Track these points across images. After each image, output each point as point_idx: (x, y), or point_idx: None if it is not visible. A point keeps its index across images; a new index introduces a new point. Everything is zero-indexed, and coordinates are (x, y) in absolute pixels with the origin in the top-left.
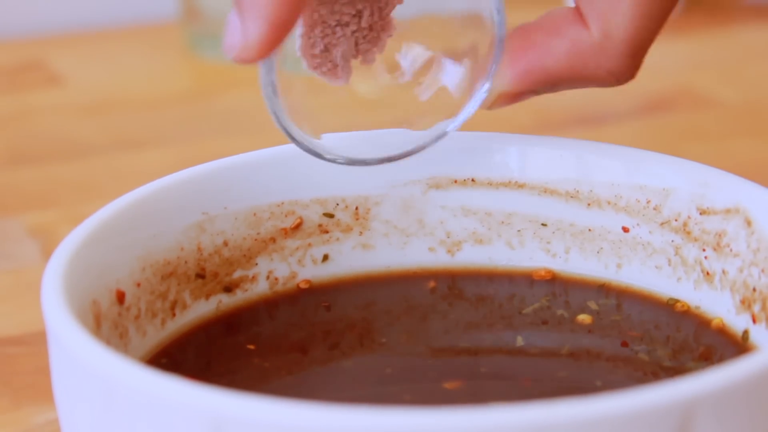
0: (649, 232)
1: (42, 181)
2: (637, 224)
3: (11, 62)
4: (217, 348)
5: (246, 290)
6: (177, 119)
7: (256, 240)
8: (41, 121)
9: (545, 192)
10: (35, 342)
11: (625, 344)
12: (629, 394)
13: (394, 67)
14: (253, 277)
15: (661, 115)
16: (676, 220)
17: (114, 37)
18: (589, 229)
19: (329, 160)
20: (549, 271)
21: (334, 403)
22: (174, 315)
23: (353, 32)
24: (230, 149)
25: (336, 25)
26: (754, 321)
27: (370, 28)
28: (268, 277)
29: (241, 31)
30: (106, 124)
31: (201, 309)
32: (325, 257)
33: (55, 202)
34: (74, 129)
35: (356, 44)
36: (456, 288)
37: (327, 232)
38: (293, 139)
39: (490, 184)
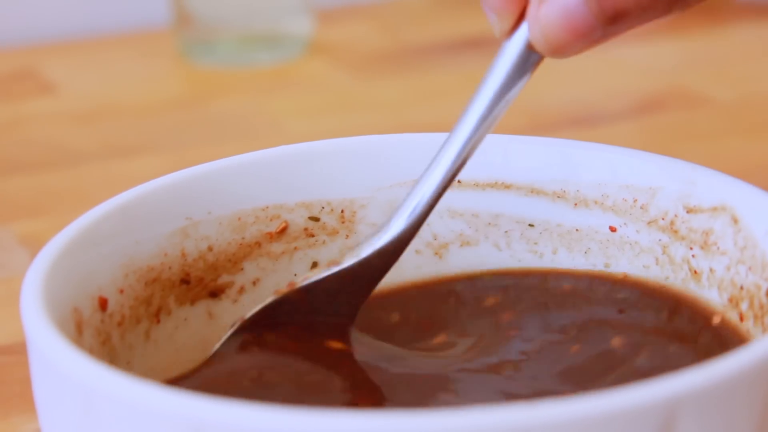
0: (637, 231)
1: (34, 190)
2: (624, 223)
3: (4, 70)
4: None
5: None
6: (170, 126)
7: (241, 245)
8: (34, 129)
9: (532, 192)
10: (25, 351)
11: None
12: (612, 394)
13: None
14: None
15: (653, 115)
16: (663, 219)
17: (106, 45)
18: (577, 229)
19: None
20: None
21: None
22: (158, 321)
23: None
24: (223, 155)
25: None
26: (741, 319)
27: None
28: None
29: None
30: (99, 131)
31: (186, 314)
32: (314, 264)
33: (47, 210)
34: (67, 137)
35: None
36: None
37: (313, 236)
38: None
39: (476, 185)
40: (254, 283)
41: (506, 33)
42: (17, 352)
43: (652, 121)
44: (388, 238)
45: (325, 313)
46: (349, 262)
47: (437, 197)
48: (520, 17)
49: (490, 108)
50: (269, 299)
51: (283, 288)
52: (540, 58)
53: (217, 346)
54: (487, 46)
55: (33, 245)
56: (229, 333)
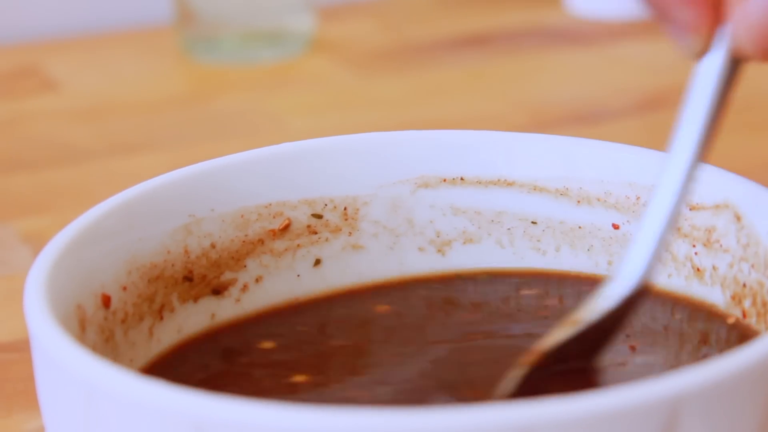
0: (638, 232)
1: (36, 187)
2: (627, 221)
3: (6, 68)
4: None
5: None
6: (172, 123)
7: (244, 242)
8: (36, 127)
9: (535, 190)
10: (27, 348)
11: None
12: (615, 392)
13: None
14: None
15: (656, 112)
16: None
17: (109, 42)
18: (579, 227)
19: None
20: None
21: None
22: (162, 318)
23: None
24: (225, 153)
25: None
26: (744, 317)
27: None
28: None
29: None
30: (101, 129)
31: (189, 312)
32: (317, 262)
33: (50, 207)
34: (69, 134)
35: None
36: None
37: (316, 233)
38: None
39: (479, 182)
40: (257, 281)
41: (703, 52)
42: (19, 349)
43: (654, 119)
44: (629, 286)
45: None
46: (588, 317)
47: (670, 232)
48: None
49: (707, 131)
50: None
51: (526, 356)
52: (740, 67)
53: None
54: (488, 43)
55: (35, 243)
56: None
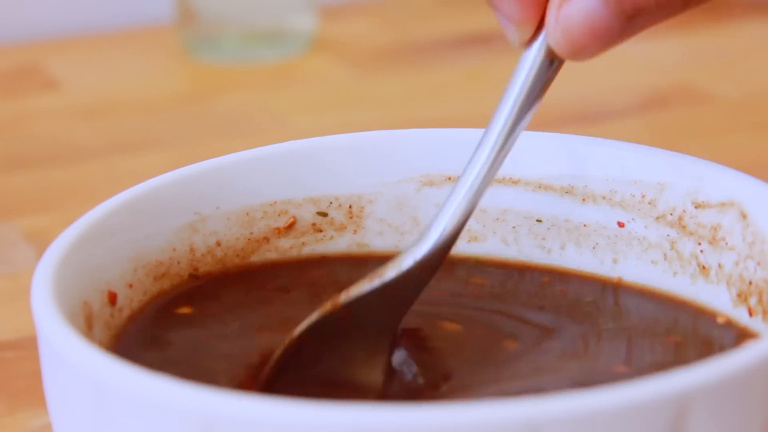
0: (645, 226)
1: (39, 186)
2: (633, 219)
3: (8, 67)
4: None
5: None
6: (174, 122)
7: (249, 240)
8: (38, 126)
9: (540, 188)
10: (31, 346)
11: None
12: (623, 389)
13: None
14: None
15: (659, 112)
16: (671, 215)
17: (110, 41)
18: (585, 225)
19: None
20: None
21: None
22: None
23: None
24: (227, 151)
25: None
26: (750, 314)
27: None
28: None
29: None
30: (103, 127)
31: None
32: (322, 259)
33: (52, 206)
34: (71, 133)
35: None
36: None
37: (321, 231)
38: None
39: None
40: None
41: (525, 43)
42: (24, 347)
43: (657, 118)
44: (428, 248)
45: (366, 328)
46: (391, 274)
47: (474, 204)
48: (539, 27)
49: (517, 115)
50: (313, 316)
51: (327, 304)
52: (560, 64)
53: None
54: (491, 42)
55: (38, 241)
56: (276, 354)
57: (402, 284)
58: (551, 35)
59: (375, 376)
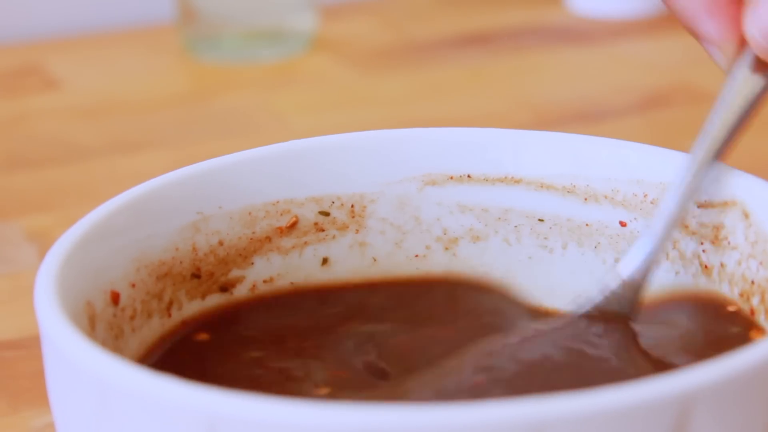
0: (647, 226)
1: (40, 185)
2: (635, 218)
3: (9, 66)
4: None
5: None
6: (174, 121)
7: (251, 239)
8: (39, 125)
9: (542, 187)
10: (33, 346)
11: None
12: (627, 389)
13: None
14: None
15: (659, 111)
16: None
17: (111, 41)
18: (587, 224)
19: None
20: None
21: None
22: (170, 315)
23: None
24: (228, 151)
25: None
26: (752, 314)
27: None
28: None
29: None
30: (104, 127)
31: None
32: (324, 260)
33: (53, 205)
34: (72, 132)
35: None
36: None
37: (323, 230)
38: None
39: (486, 180)
40: (264, 279)
41: (732, 60)
42: (26, 346)
43: (657, 117)
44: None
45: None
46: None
47: (674, 224)
48: (741, 42)
49: (730, 132)
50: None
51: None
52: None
53: None
54: (491, 41)
55: (40, 241)
56: None
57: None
58: (753, 40)
59: None
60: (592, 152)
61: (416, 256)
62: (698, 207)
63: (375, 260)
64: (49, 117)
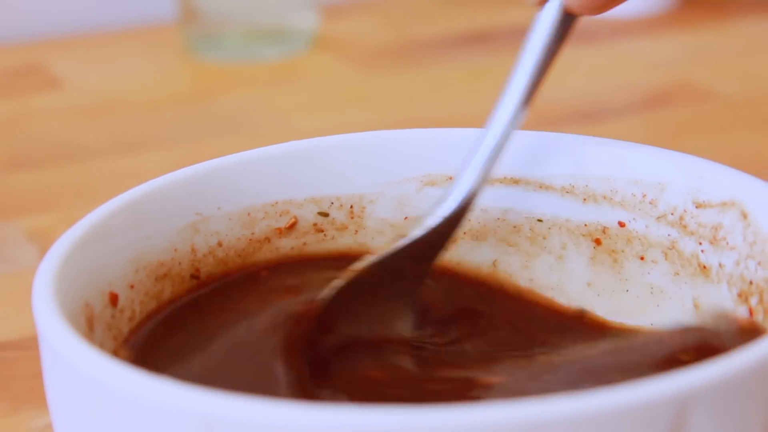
0: (646, 226)
1: (41, 185)
2: (633, 218)
3: (10, 66)
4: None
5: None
6: (176, 121)
7: (250, 240)
8: (40, 125)
9: (540, 188)
10: (34, 346)
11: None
12: (624, 390)
13: None
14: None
15: (660, 110)
16: (672, 214)
17: (112, 40)
18: (585, 224)
19: None
20: None
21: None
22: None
23: None
24: (229, 150)
25: None
26: (751, 314)
27: None
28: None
29: None
30: (105, 126)
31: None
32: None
33: (54, 205)
34: (73, 132)
35: None
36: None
37: (322, 231)
38: None
39: (485, 180)
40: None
41: (539, 2)
42: (26, 347)
43: (658, 116)
44: (453, 206)
45: (393, 287)
46: (416, 233)
47: (493, 161)
48: None
49: (535, 74)
50: (338, 282)
51: (350, 270)
52: (574, 20)
53: None
54: (492, 40)
55: (40, 240)
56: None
57: (426, 241)
58: None
59: (404, 329)
60: (590, 152)
61: None
62: (697, 207)
63: None
64: (51, 116)
